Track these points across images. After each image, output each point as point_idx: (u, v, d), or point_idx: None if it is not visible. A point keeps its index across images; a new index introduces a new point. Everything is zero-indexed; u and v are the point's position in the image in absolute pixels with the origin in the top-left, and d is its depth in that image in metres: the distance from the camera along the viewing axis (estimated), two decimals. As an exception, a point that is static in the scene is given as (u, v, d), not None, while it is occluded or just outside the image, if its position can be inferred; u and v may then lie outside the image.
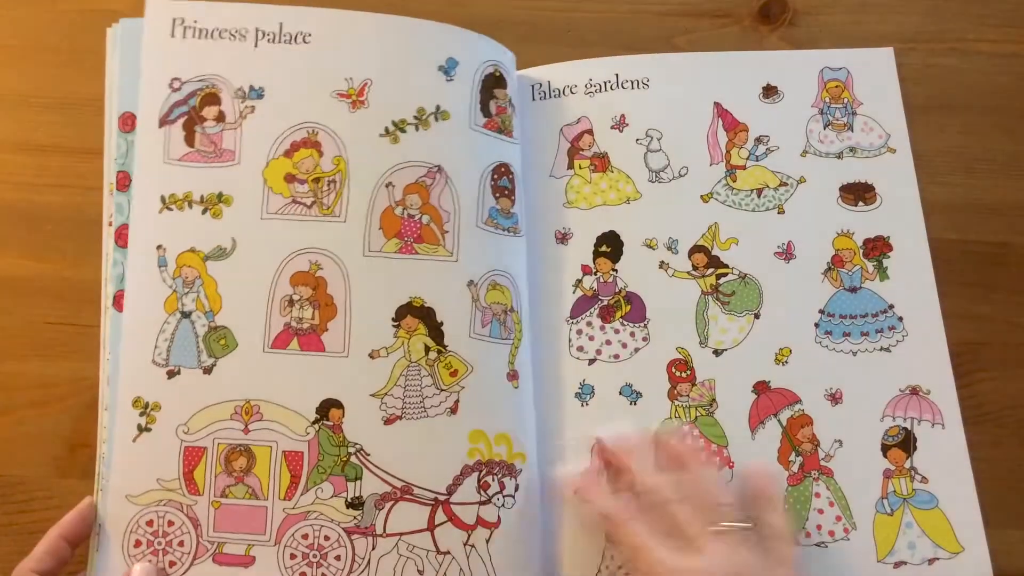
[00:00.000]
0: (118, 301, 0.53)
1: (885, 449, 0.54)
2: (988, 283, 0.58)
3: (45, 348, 0.57)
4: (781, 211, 0.58)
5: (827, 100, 0.60)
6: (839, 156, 0.59)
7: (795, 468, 0.54)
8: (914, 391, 0.55)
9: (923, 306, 0.56)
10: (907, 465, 0.54)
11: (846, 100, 0.60)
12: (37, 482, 0.55)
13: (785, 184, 0.59)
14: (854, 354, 0.56)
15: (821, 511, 0.53)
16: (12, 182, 0.59)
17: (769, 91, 0.60)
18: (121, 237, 0.54)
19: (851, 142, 0.59)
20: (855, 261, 0.57)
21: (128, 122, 0.55)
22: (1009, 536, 0.54)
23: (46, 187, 0.59)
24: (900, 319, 0.56)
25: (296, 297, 0.53)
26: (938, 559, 0.52)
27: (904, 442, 0.54)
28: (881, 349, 0.56)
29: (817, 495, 0.53)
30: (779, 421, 0.55)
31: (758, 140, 0.60)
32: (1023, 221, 0.60)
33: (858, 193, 0.58)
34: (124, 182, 0.54)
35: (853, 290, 0.57)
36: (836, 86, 0.61)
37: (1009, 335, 0.57)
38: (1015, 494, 0.55)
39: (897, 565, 0.52)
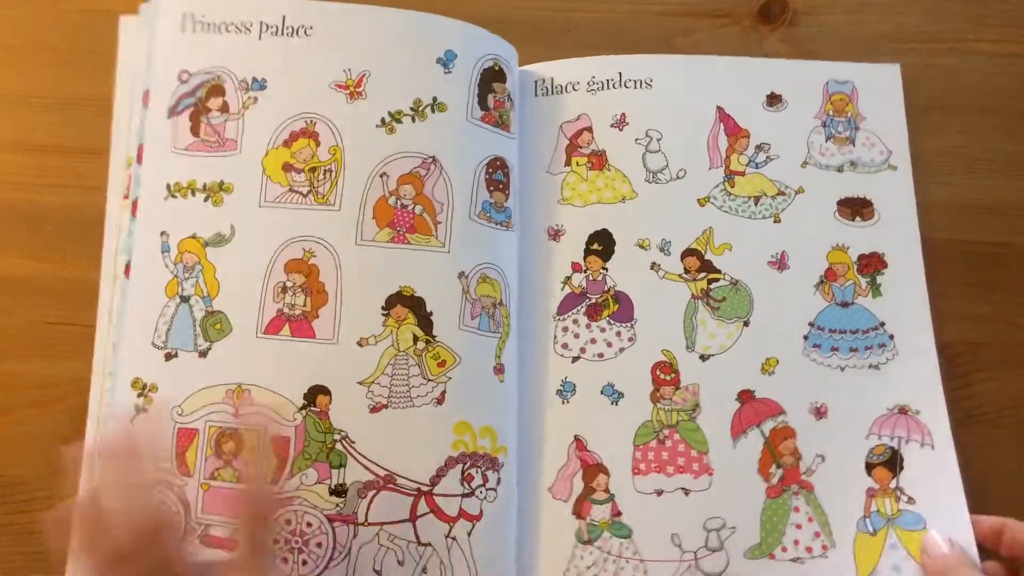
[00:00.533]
0: (128, 270, 0.52)
1: (870, 467, 0.52)
2: (988, 283, 0.56)
3: (45, 348, 0.56)
4: (777, 220, 0.56)
5: (831, 112, 0.58)
6: (839, 169, 0.57)
7: (775, 480, 0.52)
8: (903, 410, 0.52)
9: (915, 325, 0.54)
10: (892, 485, 0.51)
11: (850, 114, 0.58)
12: (37, 482, 0.54)
13: (783, 193, 0.57)
14: (842, 369, 0.53)
15: (799, 526, 0.51)
16: (12, 182, 0.58)
17: (773, 99, 0.58)
18: (136, 210, 0.53)
19: (852, 156, 0.57)
20: (848, 276, 0.55)
21: (148, 100, 0.54)
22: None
23: (46, 187, 0.58)
24: (891, 337, 0.54)
25: (289, 284, 0.52)
26: None
27: (890, 461, 0.52)
28: (870, 366, 0.53)
29: (796, 509, 0.51)
30: (762, 432, 0.52)
31: (759, 147, 0.58)
32: (1023, 221, 0.58)
33: (856, 208, 0.56)
34: (142, 156, 0.54)
35: (845, 305, 0.55)
36: (841, 99, 0.58)
37: (1009, 335, 0.55)
38: (1013, 494, 0.53)
39: None
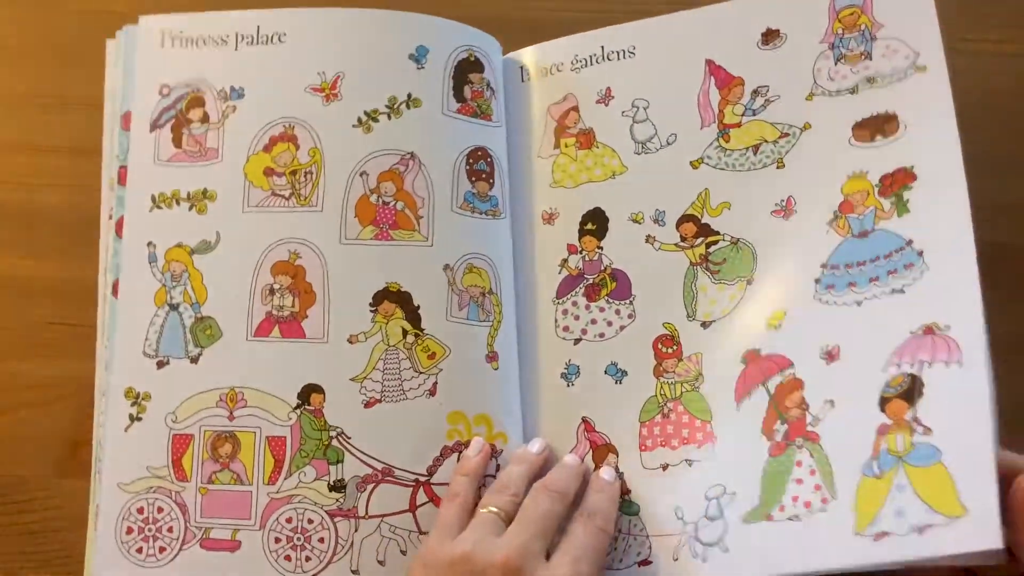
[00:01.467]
0: (116, 289, 0.52)
1: (884, 402, 0.43)
2: (988, 283, 0.51)
3: (45, 348, 0.55)
4: (780, 165, 0.51)
5: (840, 32, 0.51)
6: (853, 91, 0.50)
7: (779, 437, 0.46)
8: (928, 330, 0.44)
9: (951, 233, 0.45)
10: (908, 416, 0.42)
11: (863, 26, 0.50)
12: (37, 482, 0.54)
13: (786, 135, 0.51)
14: (859, 304, 0.46)
15: (800, 481, 0.44)
16: (12, 182, 0.57)
17: (769, 36, 0.52)
18: (120, 228, 0.53)
19: (869, 72, 0.49)
20: (867, 203, 0.48)
21: (129, 122, 0.54)
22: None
23: (46, 187, 0.56)
24: (920, 253, 0.46)
25: (276, 286, 0.51)
26: (931, 526, 0.40)
27: (908, 391, 0.43)
28: (893, 291, 0.45)
29: (799, 463, 0.45)
30: (767, 389, 0.48)
31: (755, 92, 0.52)
32: (1023, 221, 0.55)
33: (875, 127, 0.48)
34: (125, 177, 0.53)
35: (863, 235, 0.48)
36: (851, 13, 0.51)
37: (1009, 336, 0.50)
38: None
39: (878, 537, 0.41)
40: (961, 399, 0.42)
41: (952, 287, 0.44)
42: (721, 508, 0.47)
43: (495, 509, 0.45)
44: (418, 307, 0.51)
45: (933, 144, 0.47)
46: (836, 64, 0.51)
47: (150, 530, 0.49)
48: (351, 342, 0.50)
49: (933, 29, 0.49)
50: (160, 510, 0.50)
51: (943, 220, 0.46)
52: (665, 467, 0.49)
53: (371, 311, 0.51)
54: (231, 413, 0.50)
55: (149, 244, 0.52)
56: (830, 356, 0.46)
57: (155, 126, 0.54)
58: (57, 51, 0.59)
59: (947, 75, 0.48)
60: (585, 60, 0.56)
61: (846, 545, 0.42)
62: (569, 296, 0.53)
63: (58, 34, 0.60)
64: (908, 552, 0.40)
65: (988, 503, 0.39)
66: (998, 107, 0.57)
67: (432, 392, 0.50)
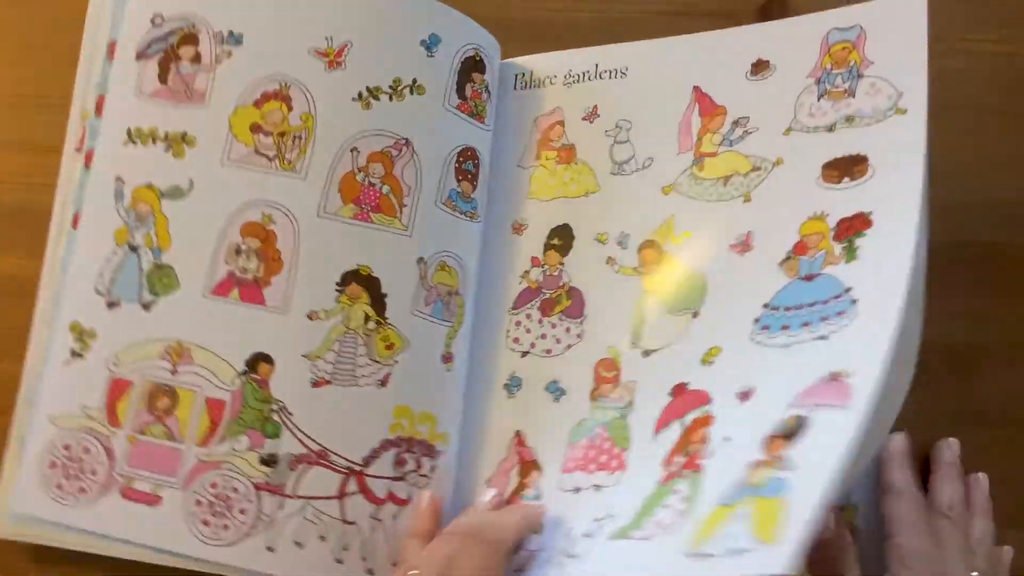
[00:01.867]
0: (76, 222, 0.50)
1: (768, 441, 0.41)
2: (987, 283, 0.52)
3: None
4: (747, 199, 0.50)
5: (828, 67, 0.50)
6: (830, 129, 0.49)
7: (673, 468, 0.44)
8: (835, 377, 0.42)
9: (887, 285, 0.43)
10: (779, 453, 0.40)
11: (852, 62, 0.49)
12: None
13: (758, 168, 0.50)
14: (786, 347, 0.45)
15: (667, 506, 0.43)
16: (12, 182, 0.56)
17: (759, 67, 0.52)
18: (90, 160, 0.50)
19: (849, 110, 0.48)
20: (821, 246, 0.46)
21: (115, 51, 0.51)
22: (1004, 537, 0.50)
23: (46, 187, 0.54)
24: (854, 302, 0.44)
25: (244, 247, 0.49)
26: (746, 551, 0.37)
27: (791, 431, 0.41)
28: (819, 338, 0.44)
29: (676, 491, 0.43)
30: (682, 423, 0.47)
31: (736, 123, 0.52)
32: (1023, 221, 0.56)
33: (845, 168, 0.48)
34: (103, 107, 0.51)
35: (809, 278, 0.46)
36: (843, 48, 0.50)
37: (1008, 335, 0.52)
38: (1014, 494, 0.50)
39: (699, 558, 0.39)
40: (830, 441, 0.39)
41: (869, 338, 0.42)
42: (600, 528, 0.45)
43: (415, 573, 0.44)
44: (385, 295, 0.50)
45: (896, 192, 0.46)
46: (819, 100, 0.50)
47: (73, 469, 0.48)
48: (311, 318, 0.49)
49: (921, 71, 0.48)
50: (87, 450, 0.48)
51: (884, 271, 0.44)
52: (577, 490, 0.48)
53: (337, 290, 0.49)
54: (175, 367, 0.49)
55: (117, 179, 0.50)
56: (744, 396, 0.45)
57: (142, 56, 0.51)
58: (57, 51, 0.56)
59: (925, 121, 0.47)
60: (578, 76, 0.55)
61: (669, 561, 0.40)
62: (524, 308, 0.53)
63: (58, 34, 0.57)
64: (714, 573, 0.38)
65: (798, 536, 0.35)
66: (997, 107, 0.58)
67: (383, 383, 0.49)
